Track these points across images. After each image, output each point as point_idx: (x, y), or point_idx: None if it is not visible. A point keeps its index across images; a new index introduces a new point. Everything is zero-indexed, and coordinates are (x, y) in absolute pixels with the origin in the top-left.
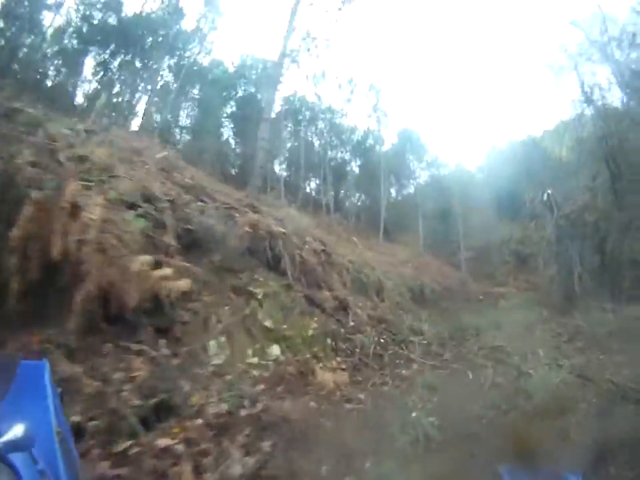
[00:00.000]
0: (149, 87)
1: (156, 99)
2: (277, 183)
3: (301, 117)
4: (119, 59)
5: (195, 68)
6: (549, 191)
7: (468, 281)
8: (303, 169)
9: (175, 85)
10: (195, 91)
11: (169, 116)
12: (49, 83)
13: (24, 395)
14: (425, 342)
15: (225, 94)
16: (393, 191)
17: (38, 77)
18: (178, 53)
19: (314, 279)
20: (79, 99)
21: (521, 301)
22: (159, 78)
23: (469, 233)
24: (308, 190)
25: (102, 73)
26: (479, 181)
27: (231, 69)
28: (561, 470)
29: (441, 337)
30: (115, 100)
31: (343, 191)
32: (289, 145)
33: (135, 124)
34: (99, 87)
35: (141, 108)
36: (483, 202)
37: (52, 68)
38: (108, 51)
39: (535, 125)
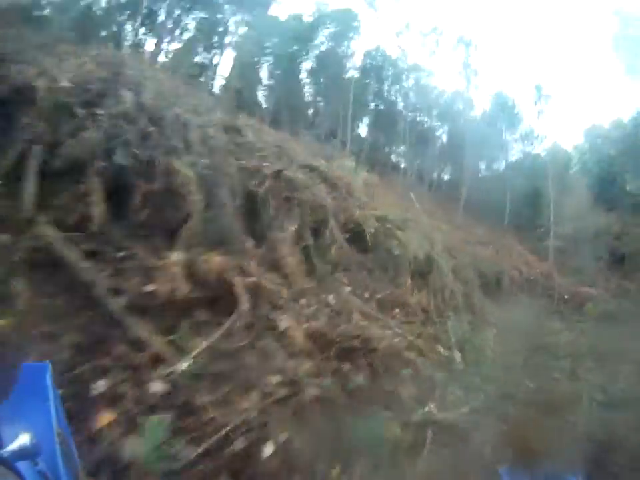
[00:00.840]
0: (224, 42)
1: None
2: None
3: (383, 74)
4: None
5: (269, 20)
6: None
7: (553, 274)
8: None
9: (249, 41)
10: (270, 45)
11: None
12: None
13: (26, 397)
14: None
15: (301, 49)
16: (481, 164)
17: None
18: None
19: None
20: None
21: (615, 310)
22: (233, 33)
23: (560, 220)
24: (393, 156)
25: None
26: (575, 163)
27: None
28: (560, 470)
29: (510, 364)
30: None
31: (426, 159)
32: (372, 105)
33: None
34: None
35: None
36: (578, 186)
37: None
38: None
39: None
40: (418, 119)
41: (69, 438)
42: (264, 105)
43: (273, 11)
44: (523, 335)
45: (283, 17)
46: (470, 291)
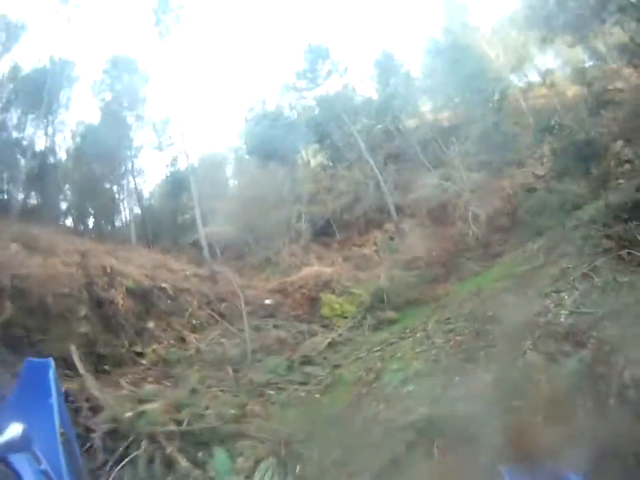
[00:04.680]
0: None
1: None
2: None
3: None
4: None
5: None
6: None
7: (219, 275)
8: None
9: None
10: None
11: None
12: None
13: (28, 394)
14: None
15: None
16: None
17: None
18: None
19: None
20: None
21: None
22: None
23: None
24: None
25: None
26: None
27: None
28: (562, 470)
29: None
30: None
31: None
32: None
33: None
34: None
35: None
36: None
37: None
38: None
39: None
40: None
41: (71, 437)
42: None
43: None
44: None
45: None
46: None
